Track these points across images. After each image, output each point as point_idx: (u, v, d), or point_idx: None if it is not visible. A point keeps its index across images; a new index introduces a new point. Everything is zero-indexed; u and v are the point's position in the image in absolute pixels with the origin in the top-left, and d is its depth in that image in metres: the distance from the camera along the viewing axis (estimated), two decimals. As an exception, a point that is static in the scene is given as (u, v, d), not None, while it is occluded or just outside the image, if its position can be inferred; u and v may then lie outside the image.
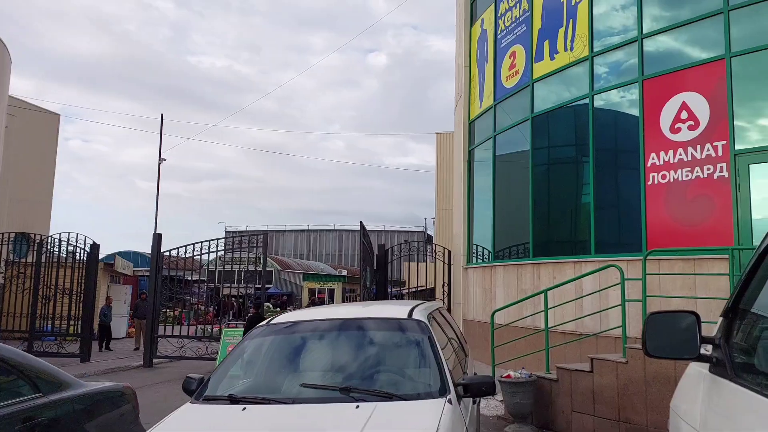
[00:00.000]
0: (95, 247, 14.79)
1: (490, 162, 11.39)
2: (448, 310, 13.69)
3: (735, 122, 7.13)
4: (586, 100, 8.98)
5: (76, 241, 14.80)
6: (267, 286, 45.79)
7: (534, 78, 10.06)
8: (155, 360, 14.18)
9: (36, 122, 28.82)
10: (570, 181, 9.88)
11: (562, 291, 8.98)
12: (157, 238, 14.55)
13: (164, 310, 36.27)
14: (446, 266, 13.73)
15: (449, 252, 13.70)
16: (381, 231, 63.32)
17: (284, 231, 75.89)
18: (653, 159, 7.92)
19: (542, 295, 8.19)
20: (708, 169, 7.31)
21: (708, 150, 7.34)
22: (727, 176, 7.11)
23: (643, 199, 7.98)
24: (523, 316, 9.69)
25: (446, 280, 13.69)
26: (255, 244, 14.15)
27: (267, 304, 27.38)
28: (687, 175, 7.52)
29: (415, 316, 3.88)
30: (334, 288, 45.04)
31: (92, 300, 14.63)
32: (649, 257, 6.63)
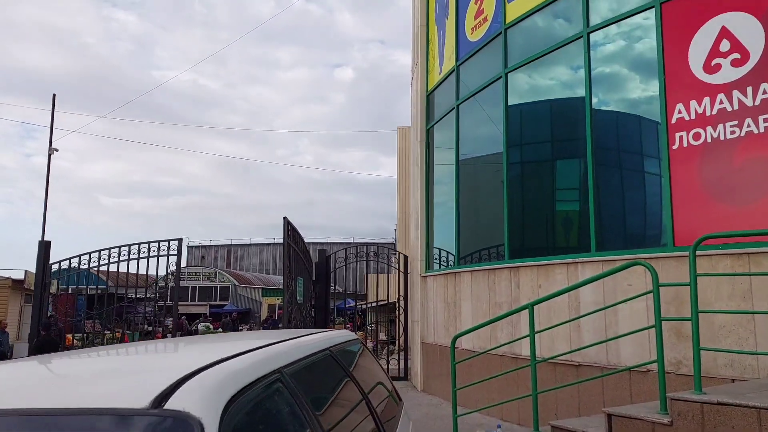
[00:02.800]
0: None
1: (453, 140, 8.92)
2: (405, 330, 11.11)
3: (807, 48, 4.78)
4: (580, 41, 6.58)
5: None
6: (223, 302, 42.58)
7: (507, 23, 7.64)
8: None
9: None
10: (559, 155, 7.44)
11: (551, 304, 6.49)
12: (44, 247, 11.65)
13: (105, 332, 32.99)
14: (402, 275, 11.20)
15: (405, 258, 11.18)
16: (350, 243, 60.75)
17: (249, 245, 72.91)
18: (680, 112, 5.52)
19: (524, 312, 5.73)
20: (766, 120, 4.94)
21: (765, 92, 4.96)
22: (798, 128, 4.74)
23: (667, 170, 5.57)
24: (499, 342, 7.18)
25: (402, 293, 11.15)
26: (167, 252, 11.38)
27: (204, 323, 24.39)
28: (733, 132, 5.13)
29: (181, 400, 1.28)
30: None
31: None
32: (698, 251, 4.15)
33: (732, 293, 4.94)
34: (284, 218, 8.44)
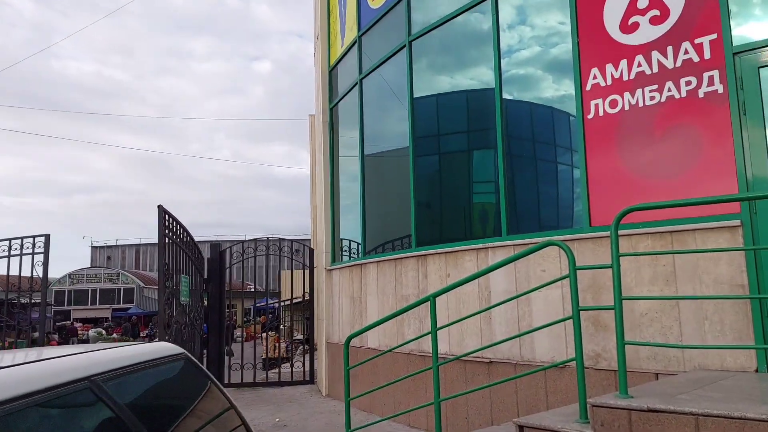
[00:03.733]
0: None
1: (357, 119, 8.09)
2: (311, 329, 10.19)
3: (729, 2, 4.31)
4: (487, 3, 5.92)
5: None
6: (127, 305, 39.71)
7: (411, -15, 6.89)
8: None
9: None
10: (468, 128, 6.78)
11: (461, 295, 5.82)
12: None
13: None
14: (308, 270, 10.26)
15: (311, 251, 10.24)
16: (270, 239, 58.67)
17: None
18: (595, 78, 4.95)
19: (427, 306, 4.99)
20: (688, 83, 4.44)
21: (686, 52, 4.46)
22: (722, 91, 4.26)
23: (582, 143, 5.00)
24: (407, 339, 6.45)
25: (309, 289, 10.20)
26: (32, 250, 9.82)
27: (97, 329, 22.33)
28: (652, 98, 4.61)
29: None
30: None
31: None
32: (620, 230, 3.51)
33: (654, 277, 4.42)
34: (159, 207, 7.28)
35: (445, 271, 6.02)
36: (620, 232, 4.59)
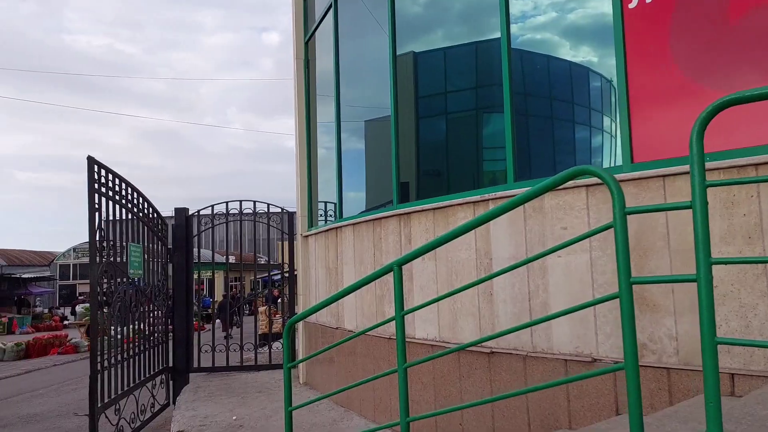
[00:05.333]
0: None
1: (332, 53, 6.61)
2: (290, 305, 8.87)
3: None
4: None
5: None
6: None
7: None
8: None
9: None
10: (464, 54, 5.29)
11: (452, 264, 4.43)
12: None
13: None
14: (286, 237, 8.90)
15: (290, 215, 8.87)
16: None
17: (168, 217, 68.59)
18: (641, -53, 3.43)
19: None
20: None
21: None
22: None
23: (621, 42, 3.51)
24: (387, 319, 5.10)
25: (288, 259, 8.87)
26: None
27: (85, 305, 21.38)
28: (728, -33, 3.10)
29: None
30: (216, 277, 39.17)
31: None
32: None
33: (729, 232, 2.98)
34: (88, 158, 5.91)
35: (433, 233, 4.60)
36: (673, 169, 3.14)
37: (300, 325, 7.56)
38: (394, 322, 2.91)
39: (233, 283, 34.64)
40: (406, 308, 2.82)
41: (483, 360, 4.13)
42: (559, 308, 3.66)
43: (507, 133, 4.16)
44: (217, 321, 19.30)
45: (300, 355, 7.54)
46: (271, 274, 19.82)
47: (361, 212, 5.98)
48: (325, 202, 7.70)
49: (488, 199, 4.12)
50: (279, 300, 18.25)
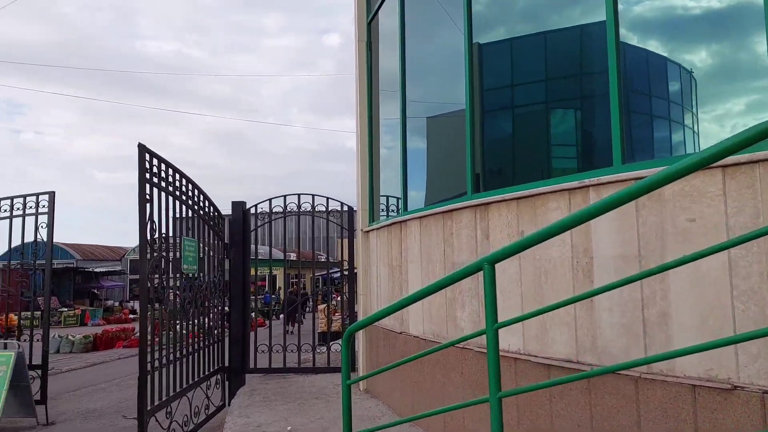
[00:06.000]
0: None
1: (398, 32, 6.03)
2: (351, 305, 8.35)
3: None
4: None
5: None
6: (197, 274, 39.74)
7: None
8: None
9: None
10: (551, 39, 4.58)
11: (540, 263, 3.76)
12: None
13: (62, 309, 30.32)
14: (346, 233, 8.40)
15: (350, 210, 8.36)
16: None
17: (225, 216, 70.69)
18: None
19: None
20: None
21: None
22: None
23: None
24: (460, 325, 4.49)
25: (348, 256, 8.35)
26: (35, 210, 8.56)
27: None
28: None
29: None
30: (276, 274, 39.64)
31: None
32: None
33: None
34: (139, 145, 5.57)
35: (516, 226, 3.93)
36: None
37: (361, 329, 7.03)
38: (467, 338, 2.28)
39: (293, 280, 34.80)
40: (483, 314, 2.18)
41: (579, 381, 3.43)
42: (683, 320, 2.92)
43: (613, 108, 3.44)
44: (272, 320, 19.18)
45: (360, 360, 7.00)
46: (331, 272, 19.54)
47: (429, 204, 5.36)
48: (387, 196, 7.14)
49: (588, 186, 3.41)
50: (338, 298, 17.93)
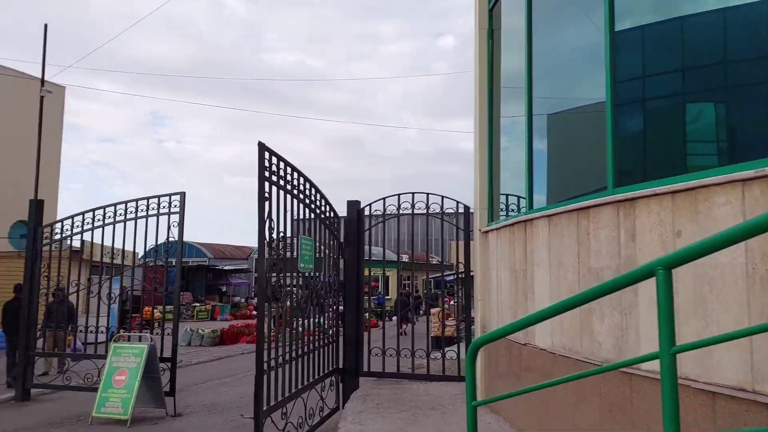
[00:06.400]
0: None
1: (524, 18, 5.53)
2: (466, 311, 7.90)
3: None
4: None
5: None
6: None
7: None
8: (34, 390, 9.46)
9: (33, 95, 25.31)
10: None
11: (705, 270, 3.11)
12: (36, 207, 9.76)
13: (195, 304, 32.66)
14: (459, 233, 7.97)
15: (466, 210, 7.93)
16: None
17: (342, 217, 72.91)
18: None
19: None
20: None
21: None
22: None
23: None
24: (596, 338, 3.93)
25: (463, 258, 7.92)
26: (168, 210, 9.06)
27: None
28: None
29: None
30: (389, 275, 39.99)
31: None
32: None
33: None
34: (259, 143, 5.58)
35: (671, 225, 3.32)
36: None
37: (476, 334, 6.58)
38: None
39: (404, 282, 34.81)
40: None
41: (759, 414, 2.77)
42: None
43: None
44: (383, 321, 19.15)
45: (479, 370, 6.55)
46: (444, 274, 19.12)
47: (560, 201, 4.81)
48: (507, 195, 6.63)
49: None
50: (451, 302, 17.48)
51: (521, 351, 5.05)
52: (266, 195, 5.62)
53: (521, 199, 5.54)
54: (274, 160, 5.87)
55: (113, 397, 7.94)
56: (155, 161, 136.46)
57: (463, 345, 7.77)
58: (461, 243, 8.14)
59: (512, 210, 6.41)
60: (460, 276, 7.97)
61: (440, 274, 15.27)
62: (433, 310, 16.11)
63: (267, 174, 5.65)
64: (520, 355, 5.05)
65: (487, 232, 6.42)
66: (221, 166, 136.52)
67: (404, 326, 19.04)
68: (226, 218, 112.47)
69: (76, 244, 9.85)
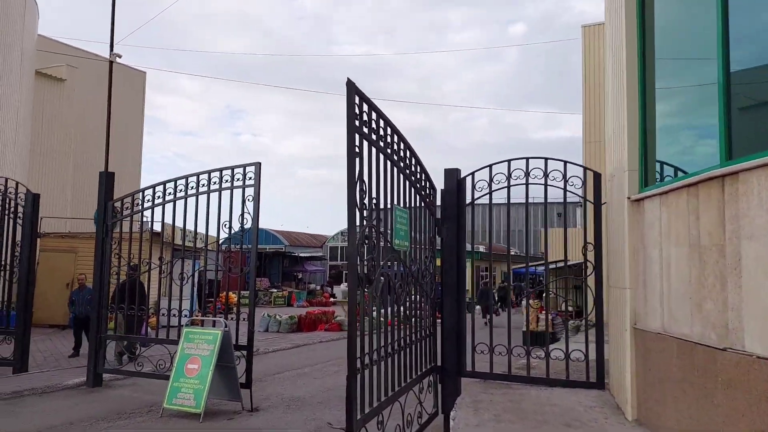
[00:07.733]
0: (34, 198, 9.84)
1: None
2: (598, 301, 6.40)
3: None
4: None
5: (6, 190, 9.97)
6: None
7: None
8: (106, 375, 8.87)
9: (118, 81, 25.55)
10: None
11: None
12: (106, 179, 9.12)
13: (272, 290, 32.53)
14: (589, 206, 6.48)
15: (596, 176, 6.44)
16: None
17: (415, 208, 72.21)
18: None
19: None
20: None
21: None
22: None
23: None
24: None
25: (592, 239, 6.43)
26: (243, 182, 8.14)
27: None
28: None
29: None
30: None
31: (27, 276, 9.71)
32: None
33: None
34: (348, 82, 4.38)
35: None
36: None
37: (627, 335, 5.12)
38: None
39: (483, 273, 33.02)
40: None
41: None
42: None
43: None
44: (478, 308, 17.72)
45: (627, 378, 5.09)
46: (535, 264, 17.43)
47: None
48: (661, 163, 5.11)
49: None
50: (544, 294, 15.81)
51: (716, 359, 3.59)
52: (356, 150, 4.43)
53: (711, 147, 4.03)
54: (365, 108, 4.66)
55: (185, 388, 7.11)
56: (232, 153, 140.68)
57: (578, 343, 6.30)
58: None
59: (667, 176, 4.91)
60: (586, 261, 6.46)
61: (557, 261, 13.64)
62: (532, 302, 14.49)
63: (357, 124, 4.45)
64: (715, 367, 3.60)
65: (640, 200, 4.93)
66: (293, 158, 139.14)
67: (485, 319, 17.62)
68: (297, 210, 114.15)
69: (148, 219, 9.14)
